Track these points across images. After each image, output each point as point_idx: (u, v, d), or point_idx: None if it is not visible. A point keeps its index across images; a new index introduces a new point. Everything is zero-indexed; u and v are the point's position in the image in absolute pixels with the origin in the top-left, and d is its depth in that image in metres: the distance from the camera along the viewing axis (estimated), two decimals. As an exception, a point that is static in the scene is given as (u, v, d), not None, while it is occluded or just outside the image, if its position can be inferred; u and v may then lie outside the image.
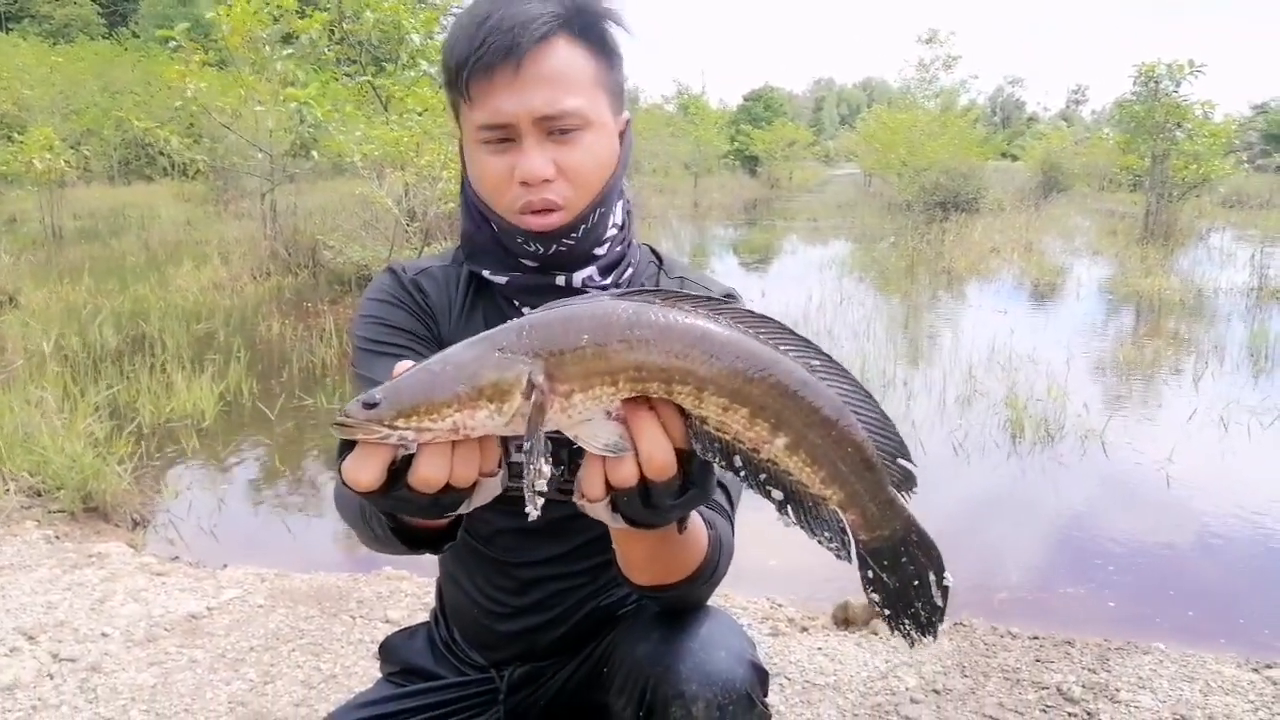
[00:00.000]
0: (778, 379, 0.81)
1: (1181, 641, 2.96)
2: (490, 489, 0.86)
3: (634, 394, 0.82)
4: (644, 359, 0.80)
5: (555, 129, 1.08)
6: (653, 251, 1.34)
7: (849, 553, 0.87)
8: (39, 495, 4.11)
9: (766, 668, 1.15)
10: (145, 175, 25.36)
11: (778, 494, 0.85)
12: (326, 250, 10.08)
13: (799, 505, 0.85)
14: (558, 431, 0.83)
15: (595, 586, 1.32)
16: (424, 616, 1.51)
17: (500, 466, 0.86)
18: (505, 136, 1.09)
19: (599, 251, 1.19)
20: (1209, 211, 19.59)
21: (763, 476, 0.84)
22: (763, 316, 0.85)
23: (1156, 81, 16.07)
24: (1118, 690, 2.51)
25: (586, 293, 1.20)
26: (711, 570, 1.10)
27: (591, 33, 1.11)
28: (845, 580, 3.56)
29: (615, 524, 0.90)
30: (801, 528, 0.86)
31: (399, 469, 0.80)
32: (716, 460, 0.84)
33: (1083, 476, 4.81)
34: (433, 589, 1.75)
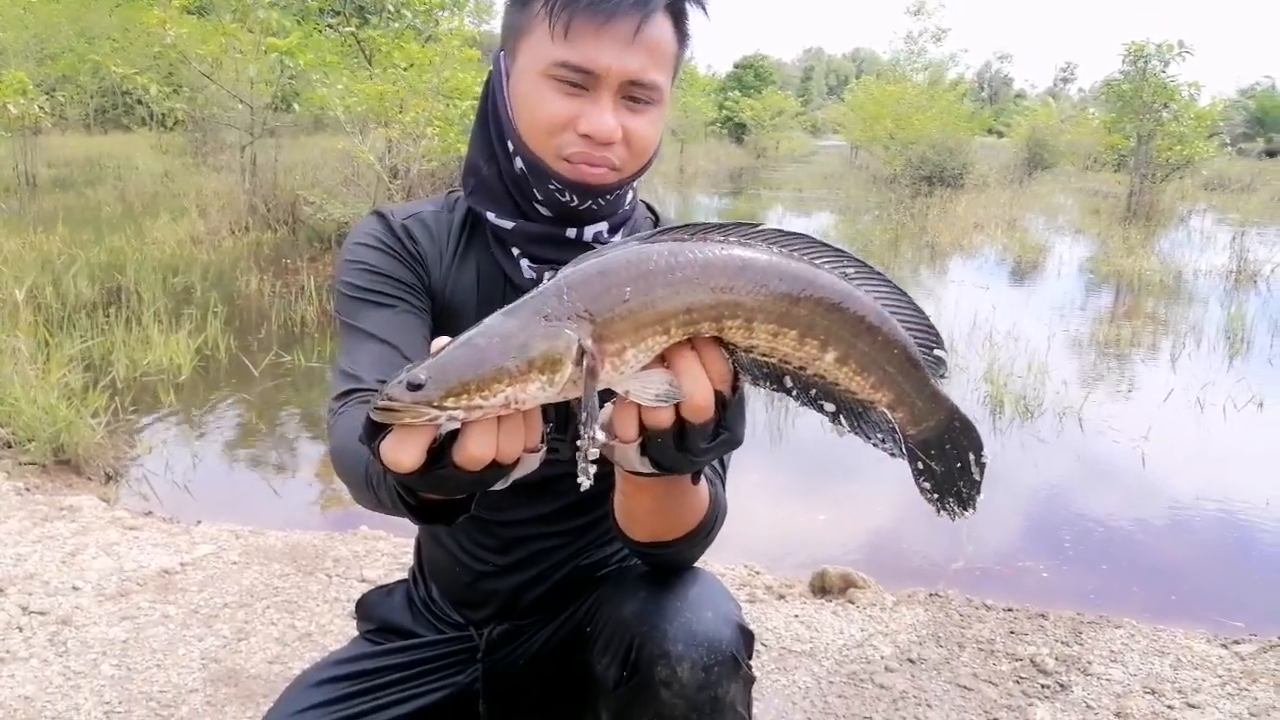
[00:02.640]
0: (822, 295, 0.81)
1: (1153, 616, 3.00)
2: (531, 463, 0.84)
3: (686, 337, 0.80)
4: (692, 300, 0.78)
5: (632, 96, 1.07)
6: (648, 208, 1.31)
7: (902, 450, 0.88)
8: (9, 446, 4.05)
9: (752, 629, 1.14)
10: (122, 124, 24.84)
11: (830, 406, 0.85)
12: (307, 206, 9.93)
13: (850, 413, 0.86)
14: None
15: (578, 546, 1.30)
16: (401, 576, 1.49)
17: (543, 441, 0.83)
18: (582, 84, 1.06)
19: (615, 212, 1.18)
20: (1191, 194, 19.70)
21: (813, 392, 0.85)
22: (792, 233, 0.84)
23: (1145, 60, 16.09)
24: (1090, 663, 2.54)
25: (595, 247, 1.17)
26: (709, 529, 1.09)
27: (683, 15, 1.11)
28: (822, 549, 3.58)
29: (643, 468, 0.89)
30: (855, 434, 0.87)
31: (439, 447, 0.77)
32: (766, 385, 0.84)
33: (1060, 453, 4.85)
34: (410, 548, 1.73)
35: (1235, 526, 4.02)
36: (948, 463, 0.90)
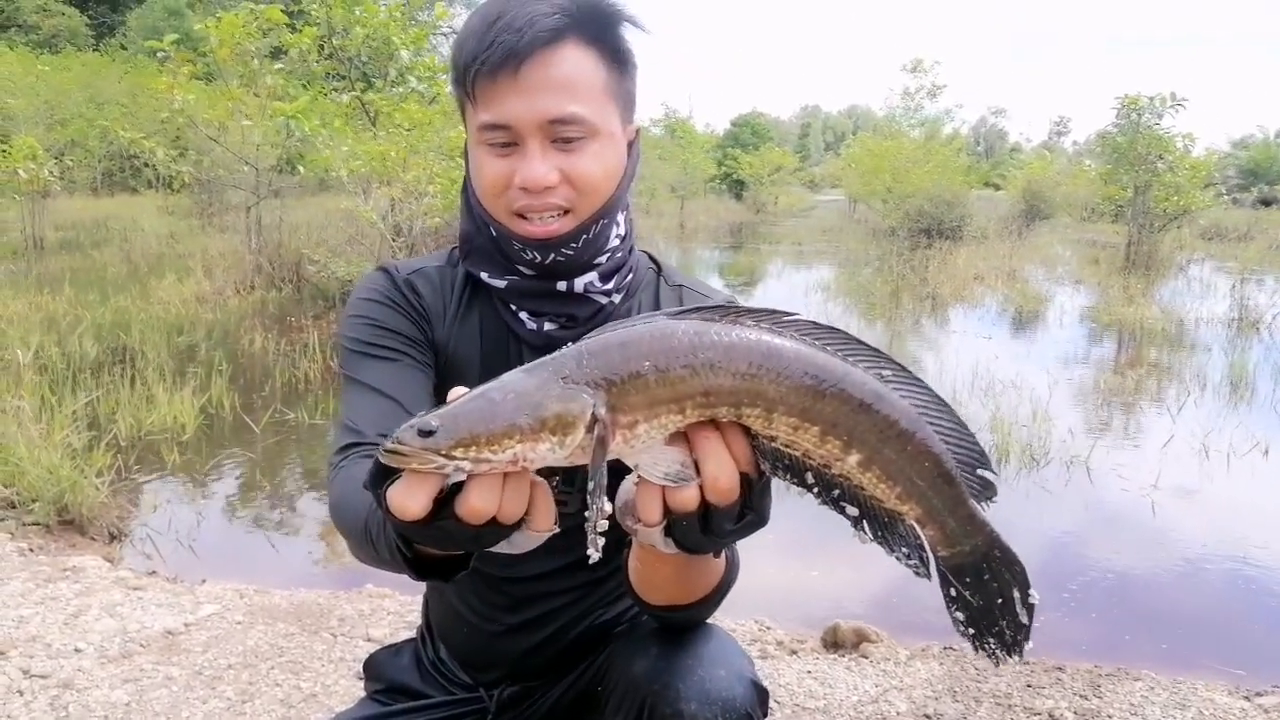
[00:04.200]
0: (849, 393, 0.77)
1: (1171, 668, 2.94)
2: (536, 539, 0.82)
3: (701, 419, 0.78)
4: (711, 384, 0.76)
5: (559, 136, 1.06)
6: (650, 258, 1.32)
7: (928, 570, 0.83)
8: (13, 507, 4.02)
9: (766, 686, 1.12)
10: (130, 187, 25.18)
11: (852, 510, 0.81)
12: (311, 265, 10.02)
13: (874, 521, 0.82)
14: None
15: (591, 602, 1.29)
16: (407, 634, 1.47)
17: (556, 524, 0.81)
18: (508, 140, 1.07)
19: (599, 260, 1.16)
20: (1189, 243, 19.81)
21: (836, 493, 0.81)
22: (829, 327, 0.81)
23: (1139, 113, 16.29)
24: (1110, 717, 2.49)
25: (589, 298, 1.17)
26: (726, 589, 1.08)
27: (604, 38, 1.08)
28: (834, 603, 3.53)
29: (666, 549, 0.87)
30: (878, 544, 0.82)
31: (444, 499, 0.76)
32: (787, 478, 0.81)
33: (1069, 502, 4.81)
34: (417, 606, 1.71)
35: (1249, 575, 3.96)
36: (986, 596, 0.85)
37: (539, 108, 1.04)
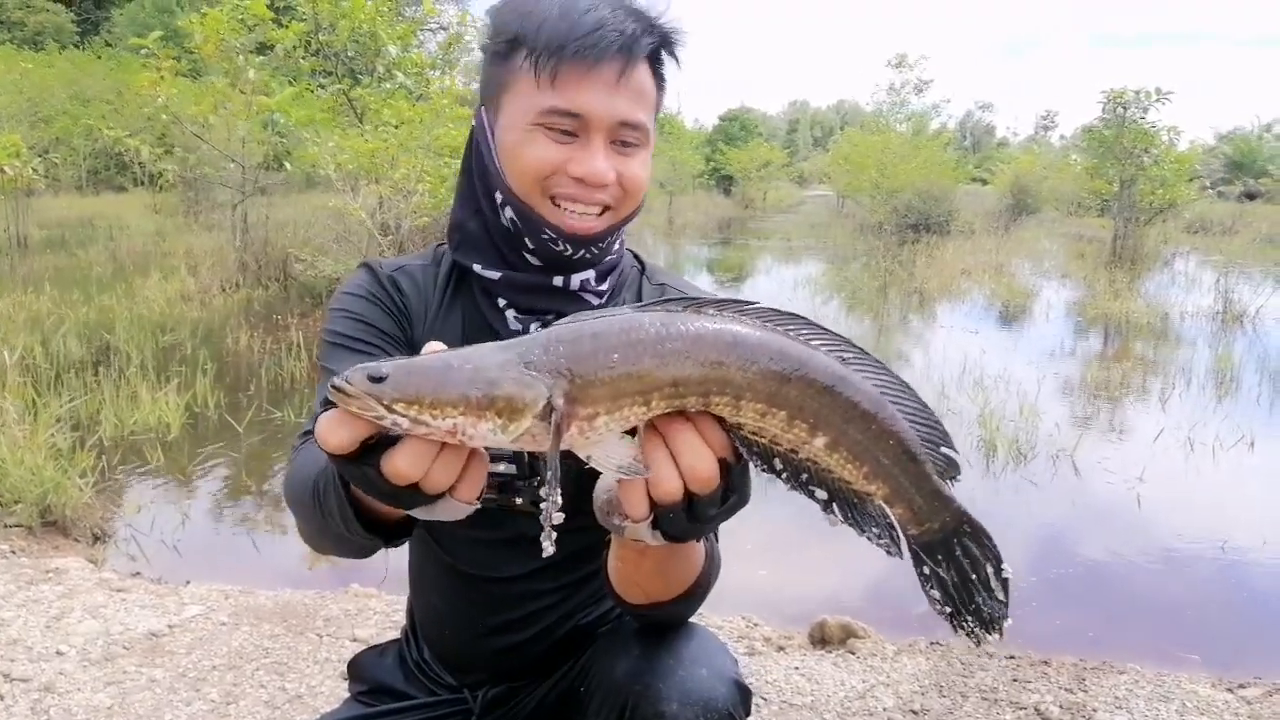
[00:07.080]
0: (813, 377, 0.79)
1: (1156, 661, 2.96)
2: (457, 511, 0.81)
3: (668, 410, 0.78)
4: (679, 373, 0.77)
5: (621, 139, 1.09)
6: (635, 256, 1.32)
7: (900, 549, 0.85)
8: (-4, 509, 3.99)
9: (749, 685, 1.12)
10: (116, 185, 24.99)
11: (821, 493, 0.83)
12: (297, 263, 9.95)
13: (844, 503, 0.83)
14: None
15: (573, 603, 1.28)
16: (392, 635, 1.46)
17: (479, 498, 0.81)
18: (571, 129, 1.07)
19: (606, 259, 1.19)
20: (1174, 237, 19.91)
21: (804, 476, 0.82)
22: (790, 314, 0.82)
23: (1125, 107, 16.36)
24: (1095, 710, 2.50)
25: (584, 296, 1.18)
26: (707, 584, 1.08)
27: (660, 62, 1.14)
28: (821, 599, 3.54)
29: (654, 541, 0.87)
30: (849, 526, 0.83)
31: (376, 443, 0.75)
32: (755, 464, 0.82)
33: (1055, 496, 4.83)
34: (402, 607, 1.70)
35: (1233, 567, 3.99)
36: (959, 572, 0.86)
37: (619, 110, 1.07)
